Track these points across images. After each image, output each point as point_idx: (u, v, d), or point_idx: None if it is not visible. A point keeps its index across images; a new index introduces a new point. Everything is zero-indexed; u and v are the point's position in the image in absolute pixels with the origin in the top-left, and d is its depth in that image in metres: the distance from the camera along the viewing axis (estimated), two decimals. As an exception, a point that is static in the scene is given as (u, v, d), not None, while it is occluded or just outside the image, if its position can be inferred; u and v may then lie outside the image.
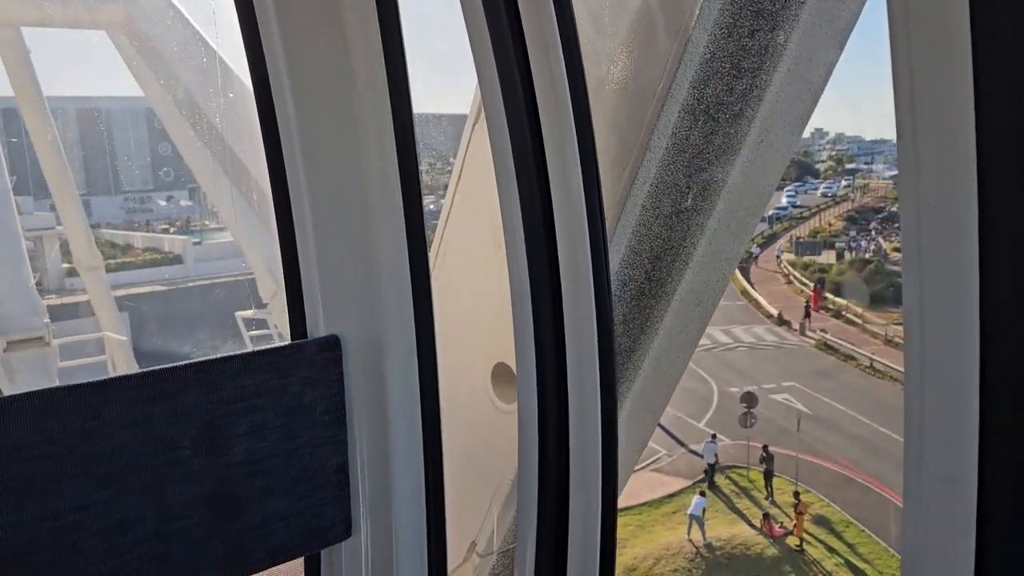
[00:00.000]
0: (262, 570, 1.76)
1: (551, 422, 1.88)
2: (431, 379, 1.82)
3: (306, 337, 1.82)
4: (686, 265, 2.46)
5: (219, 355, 1.66)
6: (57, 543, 1.49)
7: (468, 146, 2.61)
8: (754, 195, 2.51)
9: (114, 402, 1.54)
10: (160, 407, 1.58)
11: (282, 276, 1.85)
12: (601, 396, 1.85)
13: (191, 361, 1.63)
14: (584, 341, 1.82)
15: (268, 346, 1.78)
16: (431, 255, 2.70)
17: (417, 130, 1.76)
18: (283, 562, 1.80)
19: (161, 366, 1.60)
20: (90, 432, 1.51)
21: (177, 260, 37.71)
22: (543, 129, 1.74)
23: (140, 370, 1.60)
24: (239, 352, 1.70)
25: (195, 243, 38.38)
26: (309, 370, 1.75)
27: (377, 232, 1.76)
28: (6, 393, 1.58)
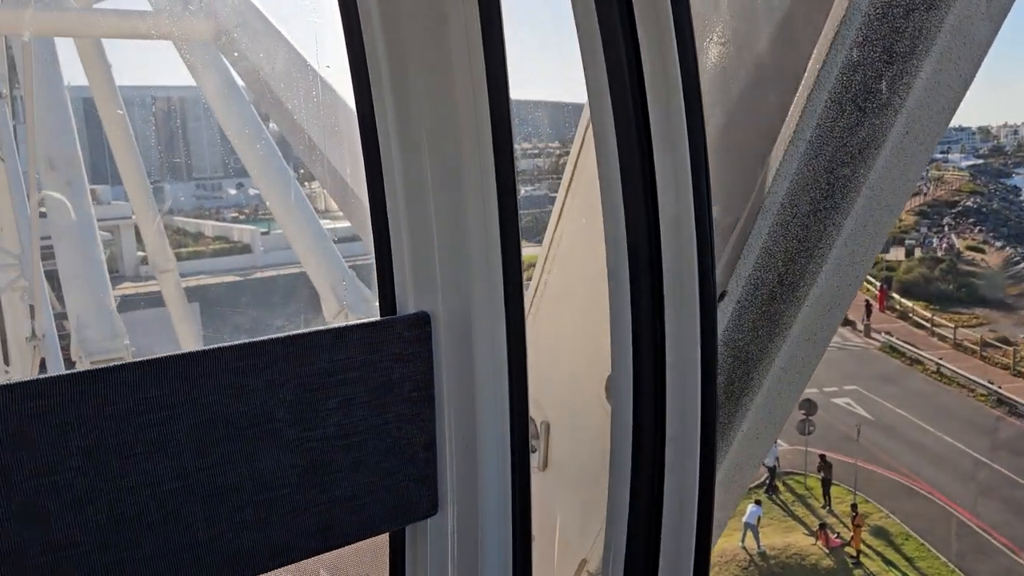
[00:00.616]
0: (351, 543, 1.78)
1: (646, 435, 1.84)
2: (519, 360, 1.79)
3: (395, 313, 1.82)
4: (820, 268, 2.27)
5: (312, 328, 1.66)
6: (160, 508, 1.52)
7: (581, 148, 2.46)
8: (894, 192, 2.30)
9: (213, 372, 1.56)
10: (256, 378, 1.60)
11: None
12: (702, 412, 1.83)
13: (286, 334, 1.64)
14: (687, 356, 1.81)
15: (359, 321, 1.78)
16: (542, 252, 2.56)
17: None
18: (371, 536, 1.82)
19: (257, 338, 1.61)
20: (191, 401, 1.54)
21: (246, 249, 38.37)
22: (651, 130, 1.72)
23: (238, 341, 1.60)
24: (331, 326, 1.69)
25: (263, 233, 38.99)
26: (399, 346, 1.75)
27: (469, 211, 1.73)
28: None
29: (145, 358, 1.52)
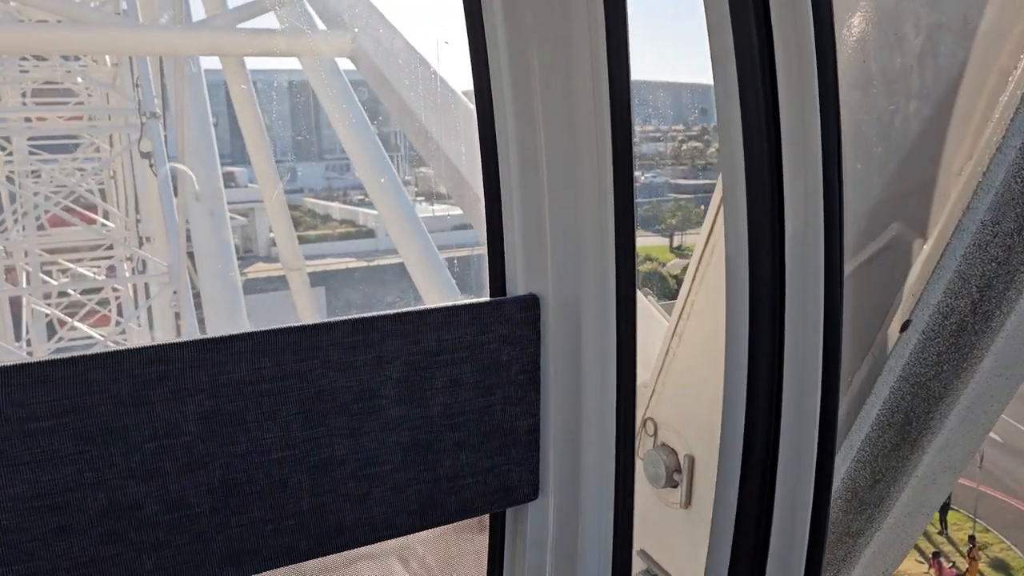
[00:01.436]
0: (451, 522, 1.79)
1: (754, 468, 1.75)
2: (629, 348, 1.76)
3: (504, 295, 1.81)
4: (1019, 295, 1.97)
5: (422, 307, 1.67)
6: (268, 476, 1.56)
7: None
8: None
9: (324, 346, 1.58)
10: (365, 354, 1.61)
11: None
12: (818, 450, 1.73)
13: (395, 311, 1.64)
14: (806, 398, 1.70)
15: (469, 301, 1.76)
16: (691, 269, 2.35)
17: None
18: (471, 516, 1.82)
19: (367, 314, 1.62)
20: (301, 373, 1.56)
21: (370, 234, 39.60)
22: (782, 141, 1.63)
23: (349, 316, 1.61)
24: (441, 305, 1.69)
25: None
26: (507, 328, 1.74)
27: (584, 193, 1.70)
28: None
29: (259, 329, 1.55)
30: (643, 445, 2.57)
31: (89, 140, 18.59)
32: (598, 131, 1.65)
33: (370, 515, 1.67)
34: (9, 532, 1.41)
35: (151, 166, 13.06)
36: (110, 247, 18.09)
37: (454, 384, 1.70)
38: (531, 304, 1.76)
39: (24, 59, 16.41)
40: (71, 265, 17.95)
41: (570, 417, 1.80)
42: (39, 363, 1.41)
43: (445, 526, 1.81)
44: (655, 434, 2.54)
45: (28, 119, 16.70)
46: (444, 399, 1.70)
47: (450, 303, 1.72)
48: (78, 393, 1.42)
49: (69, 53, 14.41)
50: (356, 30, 5.90)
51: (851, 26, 2.13)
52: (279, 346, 1.55)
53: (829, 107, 1.61)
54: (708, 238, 2.27)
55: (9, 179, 16.58)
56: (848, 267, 1.83)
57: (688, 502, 2.33)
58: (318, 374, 1.58)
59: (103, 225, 17.65)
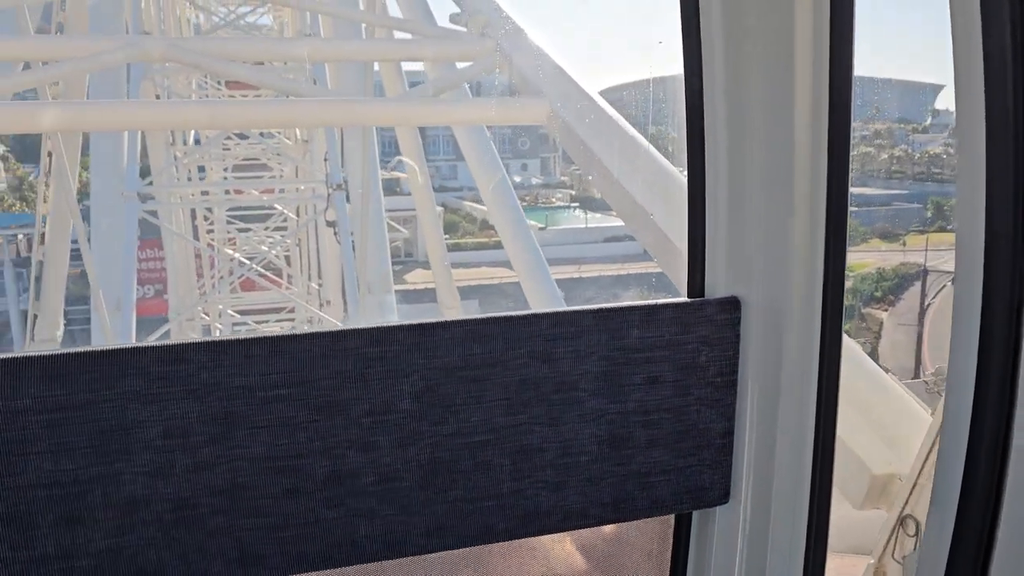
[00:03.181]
0: (640, 519, 1.81)
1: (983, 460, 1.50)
2: (833, 358, 1.72)
3: (702, 296, 1.81)
4: None
5: (624, 303, 1.69)
6: (471, 457, 1.63)
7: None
8: None
9: (529, 336, 1.64)
10: (566, 346, 1.65)
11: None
12: None
13: (598, 306, 1.67)
14: None
15: (671, 300, 1.77)
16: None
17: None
18: (661, 515, 1.83)
19: (571, 308, 1.66)
20: (505, 361, 1.62)
21: None
22: None
23: (553, 309, 1.66)
24: (643, 303, 1.71)
25: (540, 228, 40.39)
26: (708, 329, 1.74)
27: (796, 196, 1.66)
28: None
29: (471, 316, 1.62)
30: (900, 547, 2.23)
31: (279, 210, 20.06)
32: (815, 132, 1.60)
33: (565, 503, 1.71)
34: (247, 488, 1.53)
35: (335, 234, 13.87)
36: (292, 309, 19.26)
37: (651, 382, 1.72)
38: (732, 306, 1.75)
39: (228, 138, 18.07)
40: (256, 325, 19.26)
41: (766, 424, 1.77)
42: (275, 337, 1.52)
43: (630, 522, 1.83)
44: (916, 535, 2.21)
45: (228, 192, 18.24)
46: (640, 396, 1.71)
47: (652, 301, 1.72)
48: (309, 367, 1.53)
49: (272, 128, 15.64)
50: (548, 96, 5.99)
51: None
52: (489, 334, 1.61)
53: None
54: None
55: (210, 246, 18.07)
56: None
57: None
58: (522, 363, 1.64)
59: (287, 288, 18.80)
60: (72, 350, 1.45)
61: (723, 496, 1.83)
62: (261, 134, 17.50)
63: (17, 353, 1.43)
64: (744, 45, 1.62)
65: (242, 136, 17.85)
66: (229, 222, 19.95)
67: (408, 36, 9.29)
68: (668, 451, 1.76)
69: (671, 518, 1.91)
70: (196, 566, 1.53)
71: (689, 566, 1.91)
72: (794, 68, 1.58)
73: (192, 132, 18.59)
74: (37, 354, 1.42)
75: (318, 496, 1.56)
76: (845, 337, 1.78)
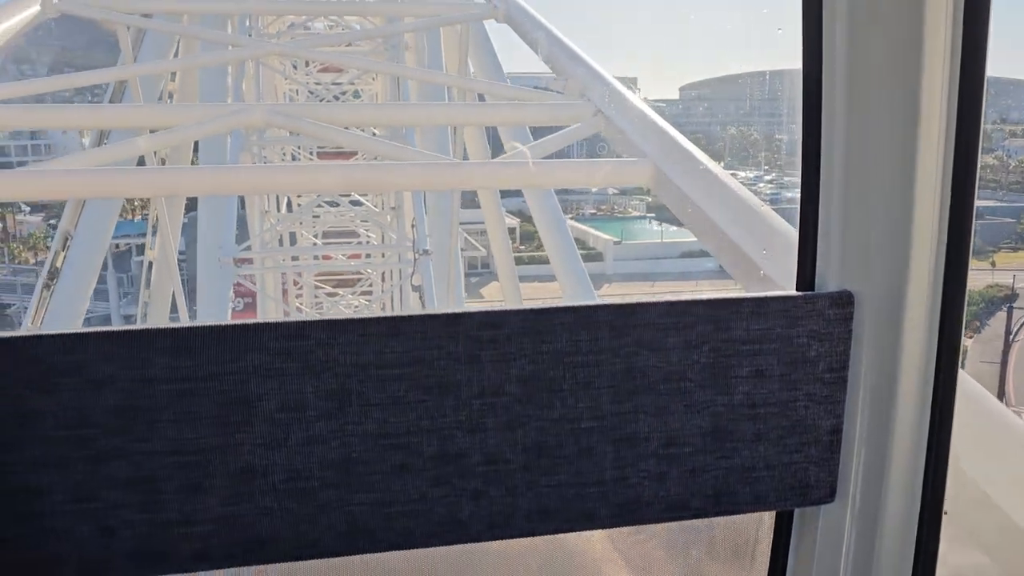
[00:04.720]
0: (742, 513, 1.78)
1: None
2: (952, 358, 1.67)
3: (812, 289, 1.78)
4: None
5: (734, 294, 1.69)
6: (576, 443, 1.63)
7: None
8: None
9: (638, 325, 1.63)
10: (675, 337, 1.65)
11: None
12: None
13: (708, 296, 1.67)
14: None
15: (780, 293, 1.73)
16: None
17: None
18: (763, 510, 1.81)
19: (681, 297, 1.65)
20: (614, 349, 1.62)
21: (598, 257, 39.30)
22: None
23: (664, 298, 1.65)
24: (753, 295, 1.68)
25: (616, 243, 39.68)
26: (818, 323, 1.70)
27: (917, 191, 1.59)
28: None
29: (581, 303, 1.62)
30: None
31: (366, 275, 20.36)
32: (942, 123, 1.55)
33: (668, 493, 1.70)
34: (358, 463, 1.55)
35: (420, 299, 13.92)
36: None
37: (759, 375, 1.69)
38: (845, 301, 1.70)
39: (319, 205, 18.55)
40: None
41: (878, 424, 1.71)
42: (392, 318, 1.54)
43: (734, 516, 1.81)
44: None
45: (316, 257, 18.64)
46: (747, 388, 1.69)
47: (761, 293, 1.69)
48: (423, 347, 1.55)
49: (379, 190, 15.96)
50: (651, 155, 5.84)
51: None
52: (597, 321, 1.61)
53: None
54: None
55: (299, 309, 18.40)
56: None
57: None
58: (630, 351, 1.63)
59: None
60: (199, 324, 1.50)
61: (829, 495, 1.79)
62: (351, 201, 17.89)
63: (148, 325, 1.49)
64: (869, 31, 1.57)
65: (332, 203, 18.28)
66: (317, 287, 20.33)
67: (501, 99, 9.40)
68: (773, 446, 1.73)
69: (763, 515, 1.89)
70: (306, 537, 1.56)
71: (789, 566, 1.87)
72: (922, 53, 1.52)
73: (284, 201, 19.19)
74: (167, 327, 1.48)
75: (426, 474, 1.58)
76: None
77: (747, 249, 4.71)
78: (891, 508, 1.72)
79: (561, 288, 9.81)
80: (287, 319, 1.54)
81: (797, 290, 1.80)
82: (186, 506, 1.51)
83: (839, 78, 1.63)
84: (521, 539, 1.71)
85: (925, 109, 1.55)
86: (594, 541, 1.93)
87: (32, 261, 36.17)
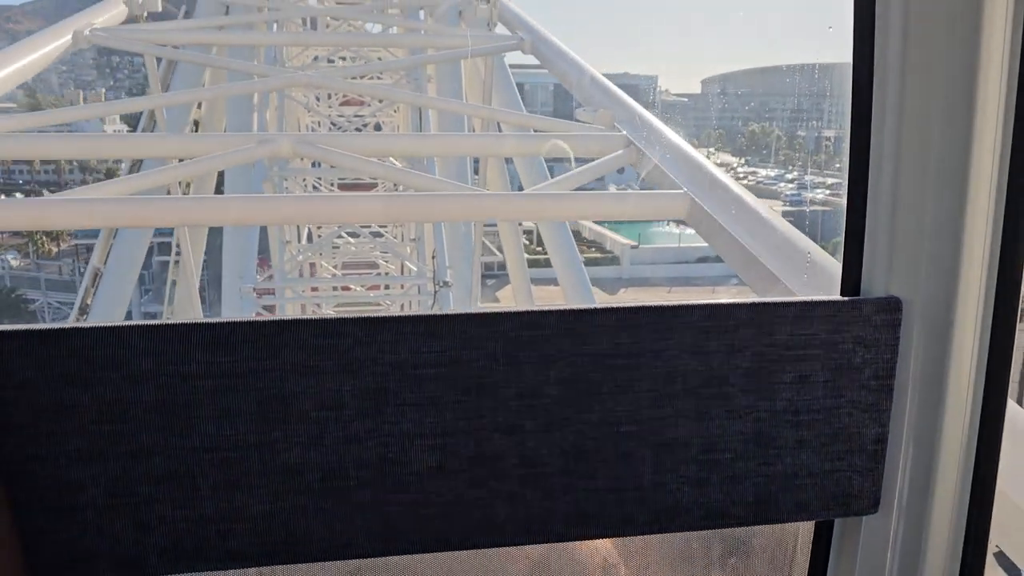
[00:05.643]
0: (783, 522, 1.74)
1: None
2: (1003, 368, 1.61)
3: (857, 294, 1.73)
4: None
5: (777, 298, 1.63)
6: (615, 447, 1.60)
7: None
8: None
9: (679, 328, 1.59)
10: (717, 340, 1.61)
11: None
12: None
13: (751, 300, 1.62)
14: None
15: (825, 297, 1.68)
16: None
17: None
18: (805, 520, 1.76)
19: (722, 300, 1.62)
20: (655, 352, 1.58)
21: (615, 261, 38.94)
22: None
23: (706, 301, 1.61)
24: (797, 299, 1.64)
25: (633, 247, 39.30)
26: (864, 329, 1.65)
27: (970, 194, 1.54)
28: None
29: (621, 305, 1.58)
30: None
31: (386, 306, 20.31)
32: (999, 130, 1.51)
33: (707, 500, 1.66)
34: (393, 463, 1.53)
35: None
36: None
37: (802, 380, 1.65)
38: (892, 307, 1.65)
39: (339, 236, 18.56)
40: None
41: (926, 434, 1.66)
42: (429, 316, 1.51)
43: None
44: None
45: (336, 288, 18.61)
46: (790, 394, 1.65)
47: (805, 298, 1.65)
48: (460, 347, 1.51)
49: (402, 220, 15.96)
50: (685, 187, 5.77)
51: None
52: (638, 323, 1.57)
53: None
54: None
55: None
56: None
57: None
58: (671, 355, 1.59)
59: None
60: (237, 319, 1.47)
61: (872, 505, 1.73)
62: (371, 232, 17.90)
63: (186, 320, 1.47)
64: (923, 32, 1.52)
65: (352, 234, 18.29)
66: (335, 317, 20.29)
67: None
68: (816, 454, 1.69)
69: (801, 525, 1.83)
70: (341, 536, 1.54)
71: None
72: (979, 55, 1.47)
73: (305, 232, 19.22)
74: (205, 321, 1.46)
75: (462, 476, 1.56)
76: None
77: (788, 283, 4.61)
78: (936, 522, 1.68)
79: (563, 292, 9.78)
80: (323, 316, 1.52)
81: (842, 295, 1.74)
82: (222, 503, 1.50)
83: (891, 80, 1.58)
84: (556, 544, 1.69)
85: (980, 112, 1.50)
86: (630, 549, 1.89)
87: (55, 252, 36.06)
